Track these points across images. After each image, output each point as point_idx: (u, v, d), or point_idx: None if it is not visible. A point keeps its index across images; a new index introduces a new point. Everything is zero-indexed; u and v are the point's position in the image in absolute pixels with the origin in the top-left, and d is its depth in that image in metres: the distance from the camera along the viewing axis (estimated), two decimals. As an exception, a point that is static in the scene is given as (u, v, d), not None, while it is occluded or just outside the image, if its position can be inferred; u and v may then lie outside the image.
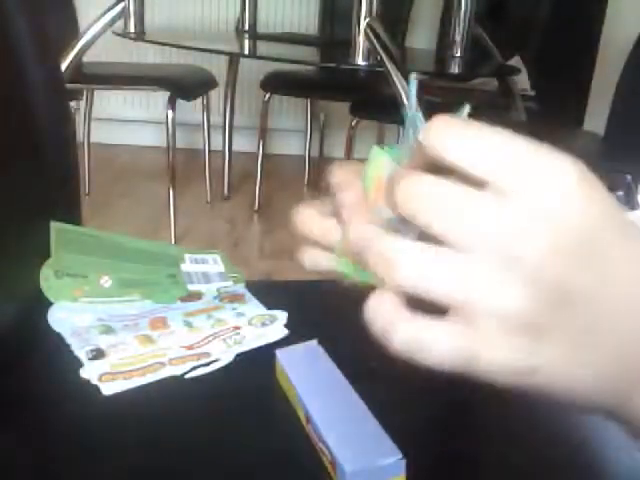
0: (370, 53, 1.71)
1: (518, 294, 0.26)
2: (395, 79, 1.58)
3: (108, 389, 0.58)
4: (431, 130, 0.28)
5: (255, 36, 2.46)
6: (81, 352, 0.63)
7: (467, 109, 0.32)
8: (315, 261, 0.36)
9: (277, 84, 2.58)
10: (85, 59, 2.08)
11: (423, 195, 0.28)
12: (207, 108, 2.59)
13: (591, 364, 0.28)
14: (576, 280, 0.26)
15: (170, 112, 2.22)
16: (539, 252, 0.26)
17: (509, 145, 0.28)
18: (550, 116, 2.26)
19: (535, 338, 0.27)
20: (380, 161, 0.34)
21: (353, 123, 2.22)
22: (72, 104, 2.41)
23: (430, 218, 0.28)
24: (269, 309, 0.73)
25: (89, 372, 0.60)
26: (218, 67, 2.65)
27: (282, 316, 0.71)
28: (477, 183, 0.27)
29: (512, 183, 0.27)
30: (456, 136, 0.28)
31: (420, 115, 0.32)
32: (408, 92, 0.34)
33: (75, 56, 1.89)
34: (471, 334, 0.27)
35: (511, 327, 0.27)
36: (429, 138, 0.28)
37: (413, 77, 0.36)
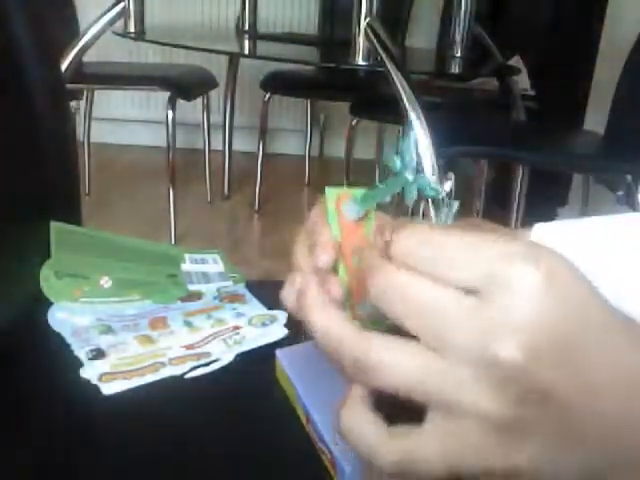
0: (370, 53, 1.71)
1: (494, 396, 0.26)
2: (395, 79, 1.58)
3: (108, 389, 0.58)
4: (397, 242, 0.29)
5: (255, 36, 2.46)
6: (81, 352, 0.63)
7: (456, 206, 0.32)
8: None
9: (277, 84, 2.58)
10: (85, 59, 2.08)
11: (396, 293, 0.28)
12: (207, 108, 2.59)
13: (574, 462, 0.28)
14: (553, 380, 0.26)
15: (170, 112, 2.22)
16: (513, 354, 0.26)
17: (476, 250, 0.28)
18: (550, 116, 2.26)
19: (515, 437, 0.27)
20: (335, 202, 0.35)
21: (353, 123, 2.22)
22: (72, 104, 2.40)
23: (402, 317, 0.28)
24: (269, 309, 0.73)
25: (89, 372, 0.60)
26: (218, 67, 2.65)
27: (282, 316, 0.71)
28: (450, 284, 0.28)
29: (483, 286, 0.27)
30: (423, 248, 0.28)
31: (426, 178, 0.32)
32: (405, 149, 0.34)
33: (75, 56, 1.88)
34: (451, 441, 0.27)
35: (491, 427, 0.27)
36: (396, 250, 0.29)
37: (412, 136, 0.35)
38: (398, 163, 0.33)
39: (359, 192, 0.35)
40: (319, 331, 0.32)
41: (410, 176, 0.33)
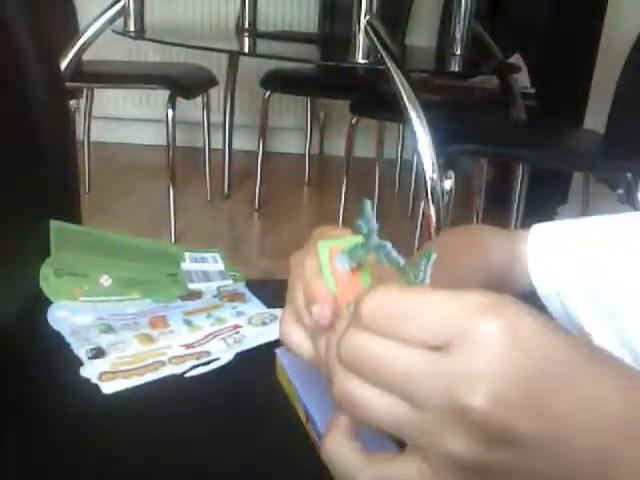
0: (370, 51, 1.70)
1: (465, 441, 0.28)
2: (395, 77, 1.58)
3: (108, 388, 0.58)
4: (363, 309, 0.30)
5: (255, 34, 2.46)
6: (81, 351, 0.63)
7: (433, 258, 0.33)
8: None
9: (277, 82, 2.58)
10: (85, 57, 2.08)
11: (365, 354, 0.30)
12: (207, 106, 2.59)
13: None
14: (520, 425, 0.27)
15: (170, 110, 2.22)
16: (480, 401, 0.27)
17: (440, 308, 0.29)
18: (550, 114, 2.26)
19: (487, 477, 0.29)
20: (327, 255, 0.36)
21: (353, 121, 2.21)
22: (72, 103, 2.40)
23: (371, 375, 0.30)
24: (269, 308, 0.73)
25: (89, 371, 0.60)
26: (218, 65, 2.65)
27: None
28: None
29: (448, 342, 0.28)
30: (387, 313, 0.30)
31: (389, 248, 0.33)
32: (365, 215, 0.35)
33: (75, 54, 1.88)
34: (427, 471, 0.29)
35: (461, 467, 0.29)
36: (362, 317, 0.30)
37: (369, 204, 0.36)
38: (364, 228, 0.35)
39: (350, 242, 0.36)
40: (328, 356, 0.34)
41: (375, 242, 0.34)
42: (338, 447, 0.32)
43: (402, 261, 0.33)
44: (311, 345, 0.38)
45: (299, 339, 0.39)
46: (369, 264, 0.36)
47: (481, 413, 0.27)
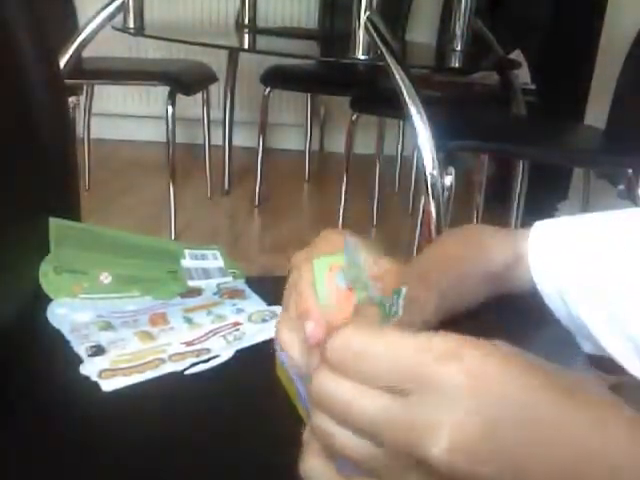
0: (370, 47, 1.70)
1: None
2: (395, 73, 1.58)
3: (108, 385, 0.58)
4: (331, 351, 0.31)
5: (255, 30, 2.46)
6: (81, 348, 0.63)
7: (404, 292, 0.34)
8: None
9: (277, 79, 2.57)
10: (84, 54, 2.08)
11: (333, 396, 0.31)
12: (207, 103, 2.58)
13: None
14: (481, 471, 0.28)
15: (170, 107, 2.21)
16: (442, 454, 0.27)
17: (403, 354, 0.29)
18: (551, 110, 2.26)
19: None
20: (324, 272, 0.36)
21: (353, 118, 2.21)
22: (72, 99, 2.40)
23: (339, 416, 0.30)
24: (269, 305, 0.72)
25: (89, 369, 0.60)
26: (218, 62, 2.64)
27: (282, 312, 0.71)
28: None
29: (411, 388, 0.29)
30: (356, 353, 0.30)
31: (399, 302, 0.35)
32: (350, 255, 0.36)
33: (74, 51, 1.88)
34: None
35: None
36: (330, 358, 0.31)
37: (404, 289, 0.36)
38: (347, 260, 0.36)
39: (343, 261, 0.37)
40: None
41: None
42: (313, 469, 0.34)
43: (379, 297, 0.34)
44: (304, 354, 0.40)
45: (293, 347, 0.41)
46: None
47: (442, 463, 0.27)
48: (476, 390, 0.28)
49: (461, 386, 0.28)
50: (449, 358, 0.28)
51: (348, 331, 0.31)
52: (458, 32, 2.13)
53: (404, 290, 0.33)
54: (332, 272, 0.37)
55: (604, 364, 0.52)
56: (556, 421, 0.29)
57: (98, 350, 0.63)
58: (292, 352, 0.41)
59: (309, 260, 0.39)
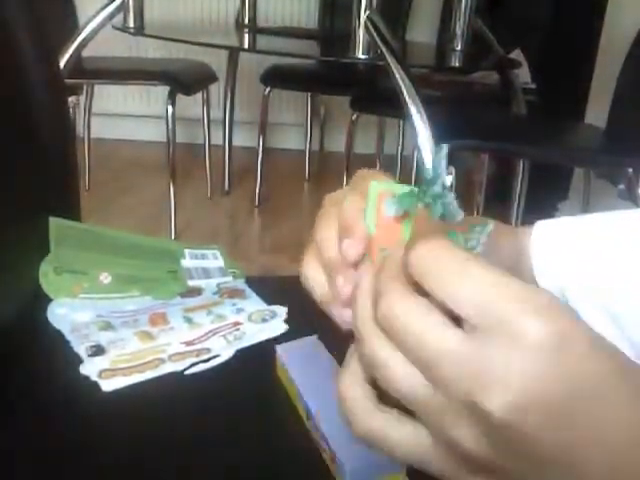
0: (370, 47, 1.70)
1: (474, 436, 0.27)
2: (395, 73, 1.57)
3: (108, 385, 0.58)
4: (413, 256, 0.29)
5: (255, 30, 2.45)
6: (81, 348, 0.63)
7: (489, 228, 0.32)
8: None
9: (277, 78, 2.57)
10: (85, 54, 2.08)
11: (399, 319, 0.28)
12: (207, 103, 2.58)
13: None
14: (535, 442, 0.26)
15: (170, 107, 2.21)
16: (499, 410, 0.25)
17: (495, 289, 0.27)
18: (551, 110, 2.26)
19: (485, 474, 0.28)
20: (376, 197, 0.35)
21: (353, 117, 2.21)
22: (72, 99, 2.40)
23: (400, 340, 0.28)
24: (269, 304, 0.72)
25: (89, 368, 0.60)
26: (218, 61, 2.64)
27: (282, 311, 0.71)
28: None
29: (488, 328, 0.26)
30: (436, 268, 0.28)
31: (451, 198, 0.32)
32: (437, 162, 0.33)
33: (74, 51, 1.88)
34: (427, 445, 0.28)
35: (464, 457, 0.27)
36: (411, 264, 0.29)
37: (445, 149, 0.34)
38: (430, 173, 0.33)
39: (401, 189, 0.35)
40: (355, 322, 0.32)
41: (437, 189, 0.33)
42: (350, 387, 0.31)
43: (460, 215, 0.31)
44: (326, 282, 0.36)
45: (315, 274, 0.37)
46: (416, 218, 0.35)
47: (500, 418, 0.25)
48: (562, 356, 0.25)
49: (548, 346, 0.25)
50: (541, 311, 0.26)
51: (439, 241, 0.28)
52: (458, 31, 2.13)
53: (490, 226, 0.31)
54: (380, 198, 0.35)
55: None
56: (627, 415, 0.26)
57: (98, 350, 0.62)
58: (317, 288, 0.37)
59: (352, 192, 0.37)
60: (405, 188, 0.35)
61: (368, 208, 0.35)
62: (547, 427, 0.26)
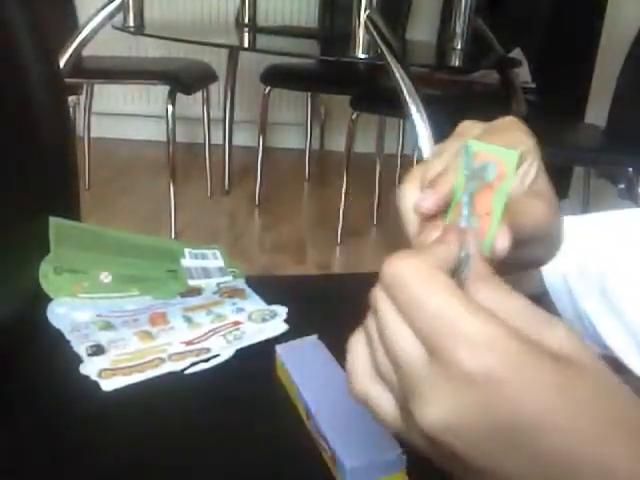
0: (370, 46, 1.70)
1: (420, 439, 0.28)
2: (395, 72, 1.57)
3: (108, 385, 0.58)
4: (387, 268, 0.29)
5: (255, 29, 2.45)
6: (81, 348, 0.63)
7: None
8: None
9: (277, 77, 2.57)
10: (85, 53, 2.08)
11: (402, 283, 0.29)
12: (207, 102, 2.58)
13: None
14: (475, 461, 0.27)
15: (170, 106, 2.21)
16: (432, 420, 0.27)
17: (447, 309, 0.28)
18: (551, 109, 2.26)
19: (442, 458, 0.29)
20: (471, 156, 0.35)
21: (353, 116, 2.21)
22: (72, 98, 2.40)
23: (402, 307, 0.29)
24: (269, 304, 0.72)
25: (89, 368, 0.60)
26: (218, 61, 2.64)
27: (282, 311, 0.71)
28: None
29: (434, 349, 0.27)
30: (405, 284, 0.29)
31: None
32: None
33: (74, 50, 1.88)
34: (404, 423, 0.30)
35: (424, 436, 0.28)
36: (384, 273, 0.29)
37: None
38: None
39: (501, 153, 0.34)
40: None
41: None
42: (358, 344, 0.31)
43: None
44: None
45: (411, 217, 0.37)
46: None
47: (430, 434, 0.27)
48: (488, 392, 0.26)
49: (477, 380, 0.26)
50: (484, 349, 0.27)
51: (415, 261, 0.29)
52: (458, 31, 2.13)
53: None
54: (478, 158, 0.34)
55: (608, 365, 0.52)
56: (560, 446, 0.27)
57: (98, 350, 0.62)
58: (409, 225, 0.37)
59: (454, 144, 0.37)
60: (504, 152, 0.34)
61: (460, 165, 0.34)
62: (479, 453, 0.27)
